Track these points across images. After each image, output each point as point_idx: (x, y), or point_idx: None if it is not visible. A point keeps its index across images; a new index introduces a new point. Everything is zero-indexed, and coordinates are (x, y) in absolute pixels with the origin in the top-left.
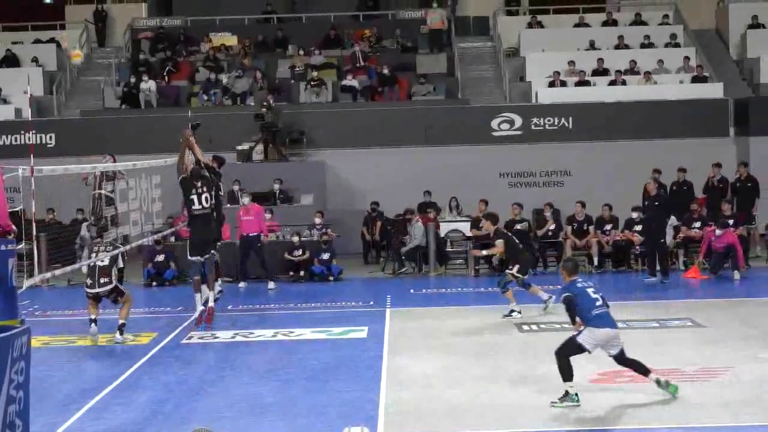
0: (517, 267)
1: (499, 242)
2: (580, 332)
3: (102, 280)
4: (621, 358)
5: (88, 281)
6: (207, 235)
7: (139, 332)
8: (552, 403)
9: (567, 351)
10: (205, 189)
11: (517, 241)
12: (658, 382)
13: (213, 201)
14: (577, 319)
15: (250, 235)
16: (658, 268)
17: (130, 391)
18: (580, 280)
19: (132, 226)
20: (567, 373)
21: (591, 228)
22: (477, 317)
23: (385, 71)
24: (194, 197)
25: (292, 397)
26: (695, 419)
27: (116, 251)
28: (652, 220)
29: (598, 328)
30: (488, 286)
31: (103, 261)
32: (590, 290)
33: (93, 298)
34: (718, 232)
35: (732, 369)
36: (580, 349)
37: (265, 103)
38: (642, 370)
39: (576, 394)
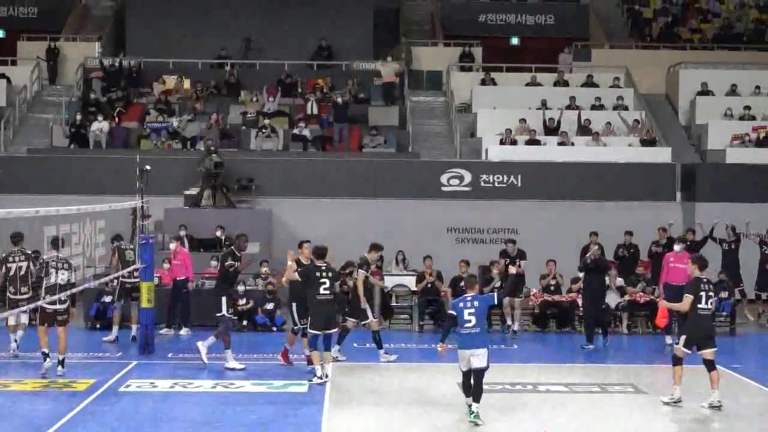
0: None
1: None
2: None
3: None
4: (476, 373)
5: None
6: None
7: (75, 378)
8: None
9: (464, 376)
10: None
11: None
12: (470, 406)
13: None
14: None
15: (178, 279)
16: (599, 330)
17: None
18: (469, 298)
19: (74, 271)
20: (466, 391)
21: (522, 263)
22: (419, 374)
23: (339, 100)
24: None
25: None
26: None
27: None
28: (594, 282)
29: (460, 349)
30: (432, 341)
31: None
32: (467, 311)
33: None
34: (677, 248)
35: None
36: (462, 371)
37: (212, 148)
38: (476, 392)
39: (477, 415)
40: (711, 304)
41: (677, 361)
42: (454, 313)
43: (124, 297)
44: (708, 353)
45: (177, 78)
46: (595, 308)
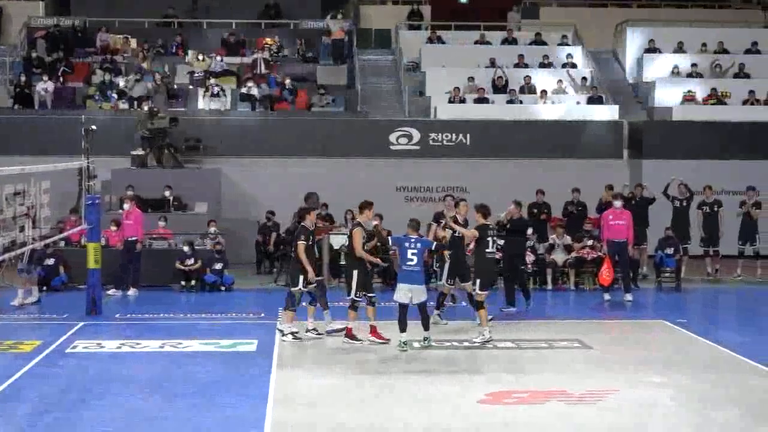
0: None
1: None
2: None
3: None
4: (420, 306)
5: None
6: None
7: (22, 340)
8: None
9: (401, 308)
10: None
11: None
12: (425, 338)
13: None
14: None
15: (129, 239)
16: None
17: (9, 402)
18: (413, 239)
19: (18, 231)
20: (401, 325)
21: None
22: (367, 332)
23: (287, 82)
24: None
25: (177, 413)
26: None
27: None
28: (513, 244)
29: (400, 283)
30: (380, 300)
31: None
32: (410, 251)
33: None
34: (616, 204)
35: (617, 392)
36: (400, 304)
37: (155, 109)
38: (425, 323)
39: (404, 342)
40: (496, 248)
41: (480, 305)
42: (396, 243)
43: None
44: (482, 294)
45: (123, 38)
46: (515, 270)
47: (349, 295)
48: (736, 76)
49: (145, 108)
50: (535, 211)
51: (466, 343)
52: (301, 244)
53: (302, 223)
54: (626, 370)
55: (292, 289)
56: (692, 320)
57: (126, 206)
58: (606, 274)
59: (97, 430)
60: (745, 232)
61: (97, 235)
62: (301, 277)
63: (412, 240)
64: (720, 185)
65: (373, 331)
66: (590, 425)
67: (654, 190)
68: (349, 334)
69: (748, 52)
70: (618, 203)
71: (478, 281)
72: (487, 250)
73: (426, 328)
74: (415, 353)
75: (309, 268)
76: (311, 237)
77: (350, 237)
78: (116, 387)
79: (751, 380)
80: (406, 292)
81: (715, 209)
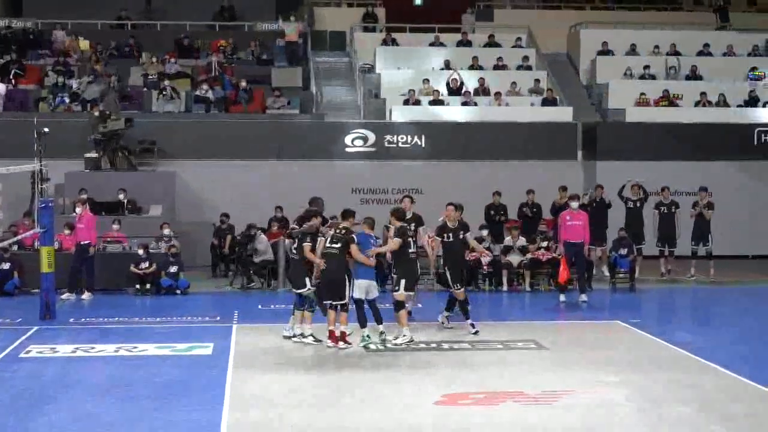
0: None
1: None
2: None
3: None
4: (370, 303)
5: None
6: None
7: None
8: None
9: (357, 305)
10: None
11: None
12: (381, 333)
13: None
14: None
15: (82, 243)
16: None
17: None
18: (374, 237)
19: None
20: (361, 321)
21: (420, 229)
22: (324, 335)
23: (243, 83)
24: None
25: (132, 417)
26: None
27: None
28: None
29: (359, 279)
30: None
31: None
32: (374, 248)
33: None
34: (573, 205)
35: (573, 393)
36: (358, 300)
37: (107, 112)
38: (377, 316)
39: (368, 336)
40: (415, 247)
41: (400, 306)
42: (357, 243)
43: None
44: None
45: (71, 38)
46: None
47: (342, 299)
48: (688, 78)
49: (96, 112)
50: (492, 212)
51: (422, 345)
52: (307, 245)
53: (305, 226)
54: (582, 370)
55: (304, 292)
56: (646, 320)
57: (78, 210)
58: (565, 274)
59: None
60: (697, 233)
61: (50, 239)
62: (307, 279)
63: (374, 237)
64: (672, 186)
65: (332, 336)
66: (546, 426)
67: (609, 193)
68: (344, 339)
69: (700, 54)
70: (575, 204)
71: (402, 282)
72: (410, 251)
73: (379, 322)
74: (372, 354)
75: (318, 261)
76: (314, 239)
77: (343, 242)
78: (71, 392)
79: (705, 379)
80: (365, 288)
81: (672, 210)
